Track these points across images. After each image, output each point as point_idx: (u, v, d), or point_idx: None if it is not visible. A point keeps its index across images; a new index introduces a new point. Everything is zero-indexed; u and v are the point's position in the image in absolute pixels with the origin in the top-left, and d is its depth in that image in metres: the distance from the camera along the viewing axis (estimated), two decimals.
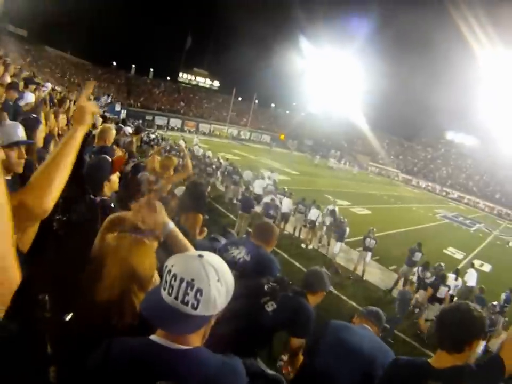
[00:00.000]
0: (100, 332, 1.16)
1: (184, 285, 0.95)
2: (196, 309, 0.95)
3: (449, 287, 7.68)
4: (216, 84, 67.07)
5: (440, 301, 7.49)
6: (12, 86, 4.85)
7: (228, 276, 1.05)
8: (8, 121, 2.18)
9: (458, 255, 14.26)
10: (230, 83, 60.48)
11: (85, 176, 2.36)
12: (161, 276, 1.20)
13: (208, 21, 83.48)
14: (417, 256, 9.22)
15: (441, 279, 7.76)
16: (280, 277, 2.34)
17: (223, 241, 3.15)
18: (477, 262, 13.54)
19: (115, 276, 1.31)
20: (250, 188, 13.10)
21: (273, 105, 71.16)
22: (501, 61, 46.23)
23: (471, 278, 9.00)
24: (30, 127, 2.61)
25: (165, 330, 1.01)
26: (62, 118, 5.34)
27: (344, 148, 59.01)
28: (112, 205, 2.36)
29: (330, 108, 60.11)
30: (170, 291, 0.97)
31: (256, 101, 60.75)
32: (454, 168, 51.87)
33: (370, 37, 61.61)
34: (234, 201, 13.41)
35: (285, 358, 2.40)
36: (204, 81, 66.33)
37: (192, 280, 0.95)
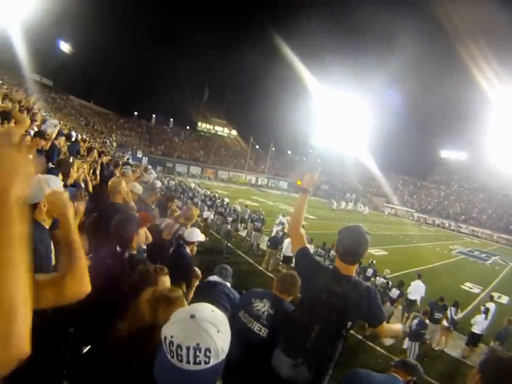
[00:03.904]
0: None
1: (192, 351, 0.95)
2: (208, 363, 0.97)
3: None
4: (234, 132, 68.02)
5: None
6: (39, 134, 4.82)
7: (223, 320, 1.06)
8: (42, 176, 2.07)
9: (476, 289, 14.26)
10: (248, 132, 62.78)
11: (113, 230, 2.40)
12: None
13: (225, 73, 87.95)
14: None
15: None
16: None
17: (227, 282, 3.19)
18: (494, 295, 13.73)
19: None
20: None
21: (289, 152, 72.33)
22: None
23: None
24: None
25: None
26: (87, 167, 5.41)
27: (359, 190, 59.29)
28: (140, 258, 2.45)
29: (344, 153, 60.75)
30: (180, 358, 0.96)
31: (273, 148, 61.77)
32: (467, 203, 51.93)
33: (383, 80, 64.44)
34: (256, 248, 13.56)
35: None
36: (222, 130, 67.41)
37: (198, 344, 0.96)
